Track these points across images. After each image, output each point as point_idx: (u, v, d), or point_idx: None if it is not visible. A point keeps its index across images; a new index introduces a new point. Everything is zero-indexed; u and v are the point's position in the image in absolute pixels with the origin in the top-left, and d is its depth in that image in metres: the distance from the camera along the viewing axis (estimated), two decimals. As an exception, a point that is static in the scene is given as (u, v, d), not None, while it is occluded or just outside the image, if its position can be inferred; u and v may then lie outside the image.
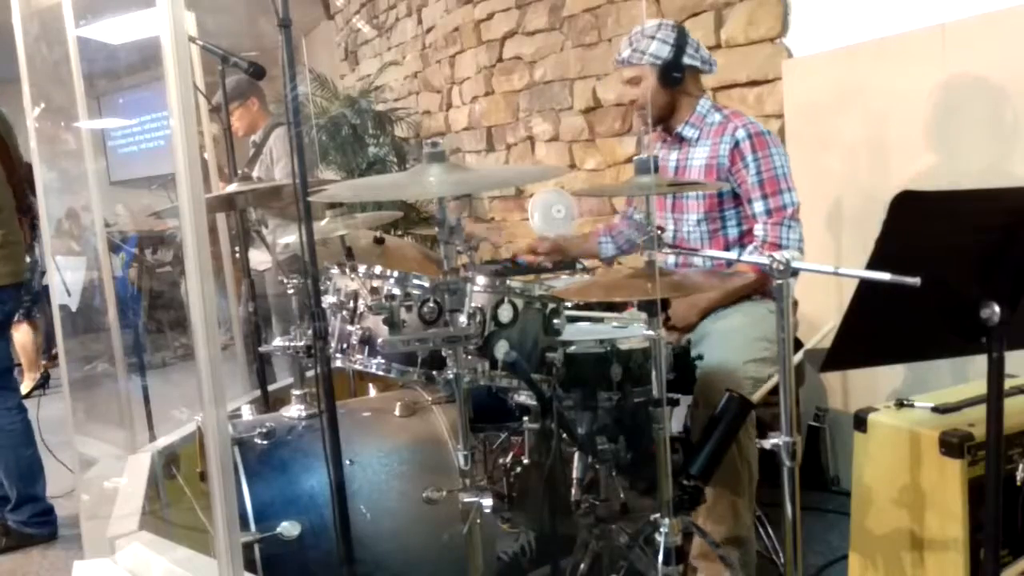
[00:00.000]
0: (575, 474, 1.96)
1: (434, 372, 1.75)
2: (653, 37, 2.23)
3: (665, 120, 2.35)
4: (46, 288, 5.84)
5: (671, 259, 2.34)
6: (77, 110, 2.59)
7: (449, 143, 5.17)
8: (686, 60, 2.24)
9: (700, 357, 2.06)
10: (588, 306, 2.21)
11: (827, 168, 2.82)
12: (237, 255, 3.17)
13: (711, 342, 2.16)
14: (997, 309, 1.26)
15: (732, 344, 2.12)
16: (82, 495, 2.47)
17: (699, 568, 2.07)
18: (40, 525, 3.04)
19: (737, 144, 2.19)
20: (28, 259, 3.29)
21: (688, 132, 2.32)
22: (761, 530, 2.27)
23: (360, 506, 1.81)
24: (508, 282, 1.77)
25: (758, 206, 2.19)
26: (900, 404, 1.82)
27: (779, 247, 2.15)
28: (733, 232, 2.29)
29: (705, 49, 2.31)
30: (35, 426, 3.35)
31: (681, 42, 2.23)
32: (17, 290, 3.19)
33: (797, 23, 2.92)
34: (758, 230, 2.20)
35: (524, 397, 1.86)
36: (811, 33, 2.88)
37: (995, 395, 1.31)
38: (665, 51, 2.22)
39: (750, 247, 2.23)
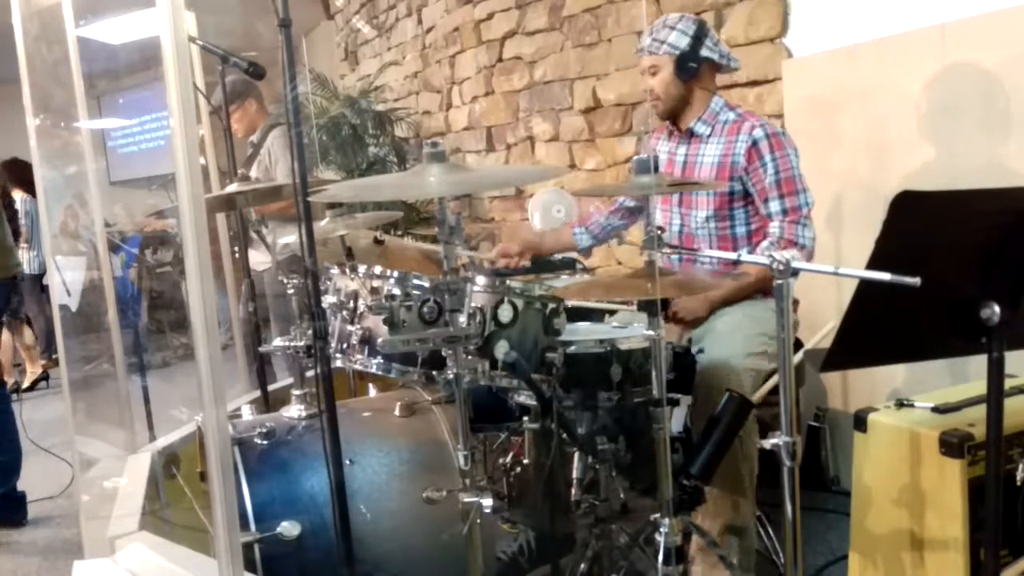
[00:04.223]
0: (575, 474, 1.96)
1: (434, 372, 1.75)
2: (674, 27, 2.23)
3: (678, 113, 2.33)
4: (42, 287, 5.91)
5: (675, 256, 2.34)
6: (77, 110, 2.59)
7: (449, 143, 5.17)
8: (704, 52, 2.23)
9: (700, 351, 2.06)
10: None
11: (827, 168, 2.82)
12: (237, 255, 3.17)
13: (712, 339, 2.16)
14: (997, 309, 1.26)
15: (733, 341, 2.12)
16: (82, 495, 2.47)
17: (696, 560, 2.07)
18: (12, 512, 3.17)
19: (755, 143, 2.19)
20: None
21: (700, 128, 2.30)
22: (761, 530, 2.27)
23: (360, 506, 1.81)
24: (508, 282, 1.77)
25: (774, 205, 2.19)
26: (900, 404, 1.82)
27: (795, 244, 2.16)
28: (741, 230, 2.28)
29: (726, 46, 2.30)
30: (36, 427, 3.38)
31: (700, 34, 2.23)
32: (6, 286, 3.22)
33: (797, 23, 2.92)
34: (773, 228, 2.20)
35: (524, 397, 1.86)
36: (811, 33, 2.88)
37: (995, 395, 1.31)
38: (684, 41, 2.21)
39: (764, 244, 2.22)
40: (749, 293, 2.24)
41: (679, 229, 2.35)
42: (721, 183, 2.22)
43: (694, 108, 2.30)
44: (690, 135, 2.33)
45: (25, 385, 5.70)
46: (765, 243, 2.21)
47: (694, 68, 2.24)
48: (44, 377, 5.83)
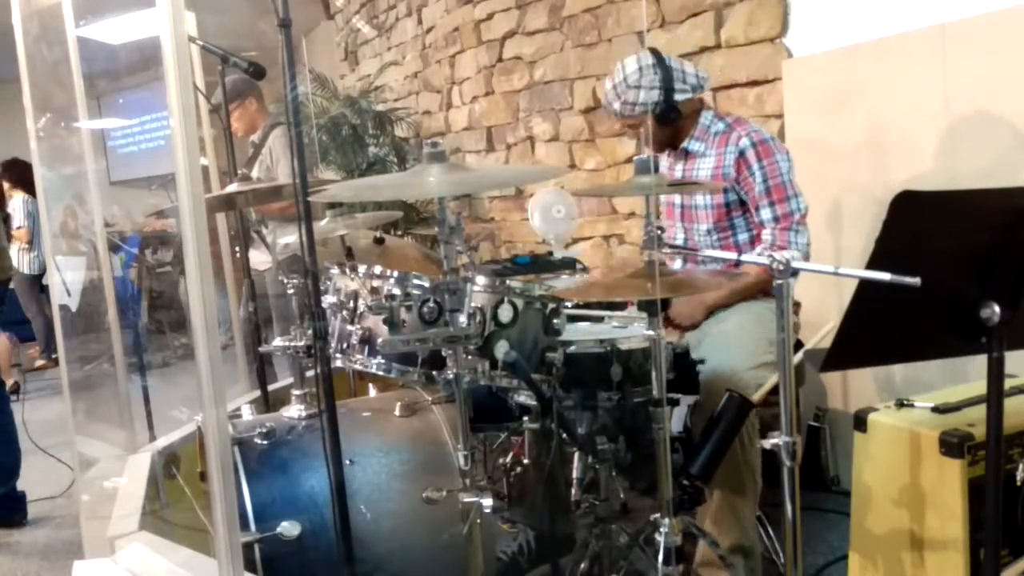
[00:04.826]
0: (575, 474, 1.96)
1: (434, 372, 1.75)
2: (639, 86, 2.18)
3: (673, 145, 2.36)
4: (42, 287, 5.90)
5: (677, 261, 2.34)
6: (77, 110, 2.59)
7: (449, 143, 5.17)
8: (677, 97, 2.21)
9: (702, 362, 2.06)
10: (588, 305, 2.21)
11: (827, 168, 2.82)
12: (237, 255, 3.17)
13: (712, 345, 2.16)
14: (997, 309, 1.26)
15: (734, 347, 2.11)
16: (82, 495, 2.47)
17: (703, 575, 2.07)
18: (11, 512, 3.18)
19: (742, 153, 2.19)
20: None
21: (694, 146, 2.31)
22: (761, 530, 2.27)
23: (360, 506, 1.81)
24: (508, 282, 1.77)
25: (766, 213, 2.20)
26: (900, 404, 1.82)
27: (788, 251, 2.15)
28: (743, 237, 2.29)
29: (691, 68, 2.25)
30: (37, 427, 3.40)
31: (667, 79, 2.18)
32: (3, 287, 3.24)
33: (797, 23, 2.92)
34: (766, 235, 2.20)
35: (524, 397, 1.86)
36: (811, 33, 2.88)
37: (995, 395, 1.31)
38: (654, 96, 2.18)
39: (756, 250, 2.22)
40: (747, 296, 2.24)
41: (684, 242, 2.37)
42: (718, 183, 2.23)
43: (686, 130, 2.32)
44: (685, 153, 2.35)
45: None
46: (758, 250, 2.21)
47: (675, 117, 2.23)
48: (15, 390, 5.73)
